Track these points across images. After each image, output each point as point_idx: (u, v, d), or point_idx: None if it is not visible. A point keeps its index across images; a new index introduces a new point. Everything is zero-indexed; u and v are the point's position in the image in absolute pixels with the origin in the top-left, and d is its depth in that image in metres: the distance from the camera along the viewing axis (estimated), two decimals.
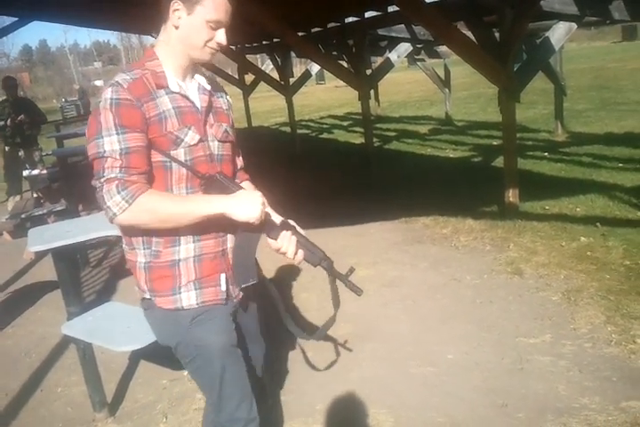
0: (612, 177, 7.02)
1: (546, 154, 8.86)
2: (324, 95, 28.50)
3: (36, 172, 6.90)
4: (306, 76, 12.86)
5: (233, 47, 13.40)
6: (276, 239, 1.94)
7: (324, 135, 15.07)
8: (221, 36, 1.87)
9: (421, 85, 23.89)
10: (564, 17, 6.91)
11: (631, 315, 3.70)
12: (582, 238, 5.09)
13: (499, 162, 7.60)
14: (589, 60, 26.00)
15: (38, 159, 8.26)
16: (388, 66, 10.90)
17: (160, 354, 3.04)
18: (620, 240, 4.95)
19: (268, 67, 14.57)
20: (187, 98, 1.90)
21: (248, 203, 1.80)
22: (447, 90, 14.31)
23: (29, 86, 53.00)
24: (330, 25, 9.92)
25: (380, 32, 9.41)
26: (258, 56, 26.01)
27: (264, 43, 12.70)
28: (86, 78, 66.06)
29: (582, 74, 20.07)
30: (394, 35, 9.59)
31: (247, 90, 14.87)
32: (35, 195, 6.98)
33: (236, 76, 15.41)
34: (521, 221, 5.73)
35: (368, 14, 8.73)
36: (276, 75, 13.18)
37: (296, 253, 1.95)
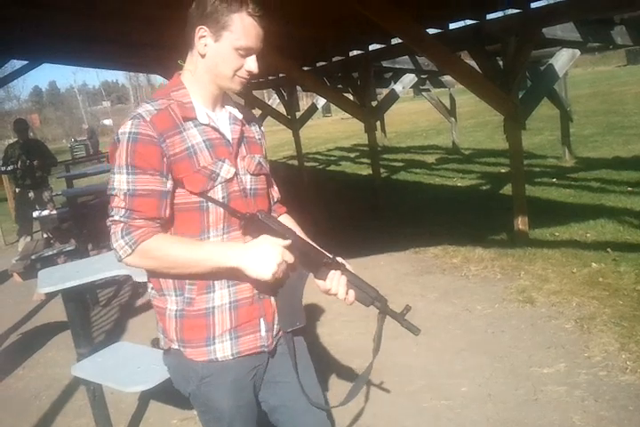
0: (621, 201, 6.99)
1: (554, 180, 8.85)
2: (331, 127, 28.73)
3: (45, 212, 6.95)
4: (312, 109, 12.99)
5: None
6: (324, 280, 1.76)
7: (332, 167, 15.15)
8: (252, 64, 1.70)
9: (427, 115, 24.04)
10: (566, 43, 6.97)
11: None
12: (593, 264, 5.05)
13: (507, 189, 7.59)
14: (595, 85, 26.13)
15: (48, 199, 8.31)
16: (393, 97, 11.00)
17: (170, 393, 3.01)
18: (631, 265, 4.90)
19: (274, 101, 14.74)
20: (217, 130, 1.74)
21: (262, 259, 1.61)
22: (453, 119, 14.41)
23: (39, 127, 53.77)
24: (334, 58, 10.06)
25: (385, 64, 9.52)
26: (264, 91, 26.32)
27: (270, 78, 12.87)
28: (95, 118, 67.08)
29: (588, 99, 20.16)
30: (398, 66, 9.69)
31: None
32: (45, 235, 7.02)
33: None
34: (531, 248, 5.71)
35: (372, 47, 8.86)
36: (282, 109, 13.31)
37: (347, 294, 1.78)
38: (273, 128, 26.24)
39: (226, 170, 1.71)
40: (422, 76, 11.87)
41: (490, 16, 6.27)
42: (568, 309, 4.33)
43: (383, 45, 8.47)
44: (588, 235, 5.92)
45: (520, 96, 6.32)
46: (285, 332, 1.82)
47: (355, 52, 9.46)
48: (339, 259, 1.82)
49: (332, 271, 1.77)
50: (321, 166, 15.69)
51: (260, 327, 1.79)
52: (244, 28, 1.64)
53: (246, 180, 1.80)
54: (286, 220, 2.05)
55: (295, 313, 1.80)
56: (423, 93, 14.78)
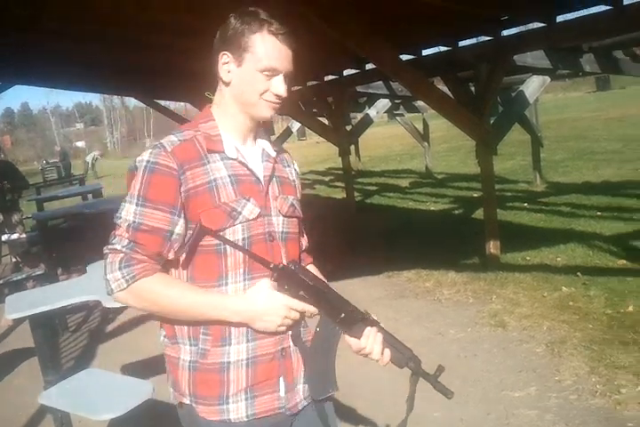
0: (590, 226, 7.10)
1: (525, 204, 8.97)
2: (306, 151, 28.82)
3: (15, 236, 6.86)
4: (287, 133, 13.07)
5: None
6: (358, 338, 1.59)
7: (306, 191, 15.17)
8: (278, 86, 1.57)
9: (401, 139, 24.26)
10: (537, 70, 7.13)
11: (615, 364, 3.68)
12: (564, 288, 5.11)
13: (479, 214, 7.66)
14: (565, 111, 26.65)
15: (17, 222, 8.19)
16: (367, 122, 11.11)
17: (139, 421, 2.97)
18: (601, 289, 4.97)
19: None
20: (245, 166, 1.60)
21: (264, 312, 1.51)
22: (426, 143, 14.59)
23: (10, 149, 53.21)
24: (309, 83, 10.15)
25: (359, 89, 9.63)
26: None
27: None
28: (68, 140, 66.62)
29: (559, 124, 20.53)
30: (372, 91, 9.81)
31: None
32: (13, 259, 6.92)
33: None
34: (503, 272, 5.76)
35: (347, 72, 8.96)
36: None
37: (382, 354, 1.62)
38: None
39: (249, 209, 1.56)
40: (396, 102, 12.03)
41: (462, 43, 6.40)
42: (539, 332, 4.36)
43: (357, 71, 8.57)
44: (559, 259, 6.00)
45: (492, 122, 6.43)
46: (316, 400, 1.64)
47: (329, 77, 9.55)
48: (373, 315, 1.66)
49: (368, 328, 1.61)
50: None
51: (280, 387, 1.62)
52: (265, 48, 1.54)
53: (278, 222, 1.65)
54: (312, 270, 1.82)
55: (327, 378, 1.62)
56: (397, 118, 14.96)
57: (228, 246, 1.54)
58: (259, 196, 1.60)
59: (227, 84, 1.60)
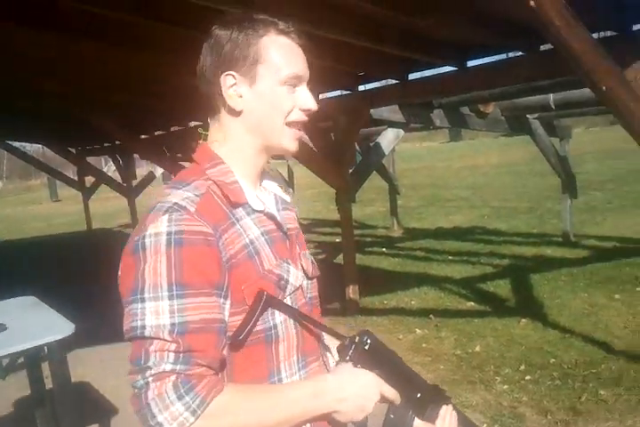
0: (442, 270, 7.50)
1: (384, 249, 9.33)
2: None
3: None
4: (150, 177, 12.89)
5: (73, 150, 13.31)
6: (432, 421, 1.30)
7: None
8: (306, 97, 1.23)
9: None
10: (392, 123, 7.54)
11: (464, 404, 3.88)
12: (418, 331, 5.34)
13: (341, 259, 7.89)
14: (421, 160, 28.13)
15: None
16: None
17: None
18: (451, 330, 5.25)
19: (110, 168, 14.48)
20: (274, 219, 1.25)
21: (361, 402, 1.17)
22: (291, 189, 14.86)
23: None
24: (173, 128, 10.15)
25: None
26: (101, 157, 25.73)
27: (106, 145, 12.68)
28: None
29: (415, 173, 21.63)
30: None
31: (87, 192, 14.63)
32: None
33: (76, 178, 15.10)
34: (362, 316, 5.94)
35: None
36: (118, 176, 13.12)
37: None
38: (109, 195, 25.46)
39: (294, 275, 1.23)
40: None
41: (324, 95, 6.68)
42: None
43: None
44: (413, 302, 6.27)
45: (350, 171, 6.70)
46: None
47: (194, 123, 9.60)
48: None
49: (444, 407, 1.33)
50: None
51: None
52: (281, 53, 1.19)
53: (304, 285, 1.30)
54: None
55: None
56: None
57: (280, 329, 1.18)
58: (290, 256, 1.27)
59: (237, 114, 1.22)
